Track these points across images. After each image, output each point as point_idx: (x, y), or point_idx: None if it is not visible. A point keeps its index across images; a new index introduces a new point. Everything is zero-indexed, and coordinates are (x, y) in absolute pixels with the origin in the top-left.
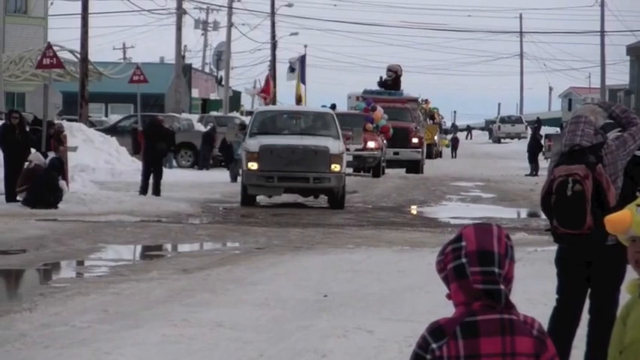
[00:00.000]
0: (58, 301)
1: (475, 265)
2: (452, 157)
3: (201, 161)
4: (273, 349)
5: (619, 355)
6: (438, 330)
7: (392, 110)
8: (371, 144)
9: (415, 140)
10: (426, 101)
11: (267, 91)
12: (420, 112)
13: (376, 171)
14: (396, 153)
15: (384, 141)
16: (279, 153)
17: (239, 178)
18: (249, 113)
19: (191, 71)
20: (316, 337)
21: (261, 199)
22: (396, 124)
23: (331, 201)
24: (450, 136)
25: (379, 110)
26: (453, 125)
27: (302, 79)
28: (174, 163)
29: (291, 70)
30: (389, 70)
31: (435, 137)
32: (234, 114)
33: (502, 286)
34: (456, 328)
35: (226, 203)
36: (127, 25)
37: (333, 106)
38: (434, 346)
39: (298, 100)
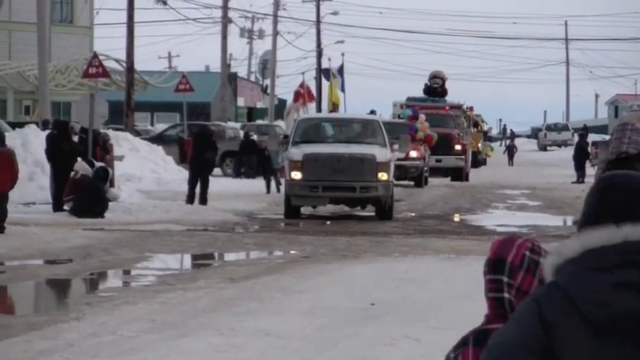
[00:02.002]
0: (105, 310)
1: (488, 273)
2: (509, 165)
3: (237, 169)
4: (320, 357)
5: None
6: (462, 340)
7: (435, 117)
8: (413, 153)
9: (458, 147)
10: (471, 109)
11: (309, 96)
12: (464, 119)
13: (419, 181)
14: (438, 160)
15: (427, 150)
16: (324, 162)
17: (274, 189)
18: None
19: (237, 80)
20: (363, 346)
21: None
22: (438, 131)
23: (379, 211)
24: (493, 144)
25: (422, 117)
26: (504, 131)
27: (341, 88)
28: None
29: (334, 76)
30: (435, 76)
31: (479, 145)
32: (279, 122)
33: (506, 295)
34: (470, 336)
35: (272, 213)
36: (173, 34)
37: (372, 113)
38: (452, 355)
39: (333, 108)
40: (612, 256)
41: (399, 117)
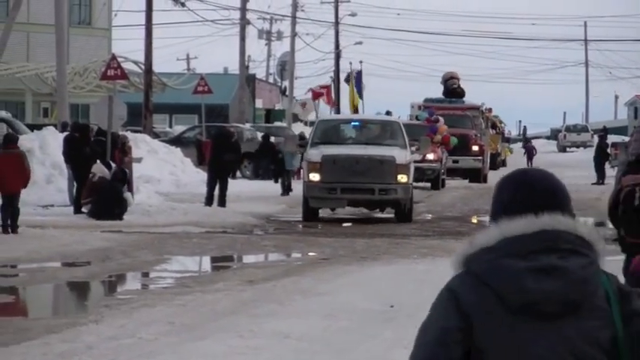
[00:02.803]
0: (123, 313)
1: None
2: (528, 166)
3: (255, 171)
4: (340, 359)
5: None
6: None
7: (452, 118)
8: (430, 155)
9: (475, 148)
10: (489, 110)
11: (326, 96)
12: (482, 120)
13: (435, 183)
14: (455, 161)
15: (444, 152)
16: (342, 163)
17: (290, 191)
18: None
19: (255, 81)
20: (383, 348)
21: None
22: (455, 132)
23: (398, 213)
24: (514, 145)
25: (441, 120)
26: (524, 132)
27: (359, 94)
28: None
29: (346, 80)
30: (452, 77)
31: (498, 146)
32: (293, 125)
33: None
34: None
35: (290, 215)
36: (191, 35)
37: (388, 114)
38: None
39: (354, 111)
40: (531, 243)
41: (416, 118)
